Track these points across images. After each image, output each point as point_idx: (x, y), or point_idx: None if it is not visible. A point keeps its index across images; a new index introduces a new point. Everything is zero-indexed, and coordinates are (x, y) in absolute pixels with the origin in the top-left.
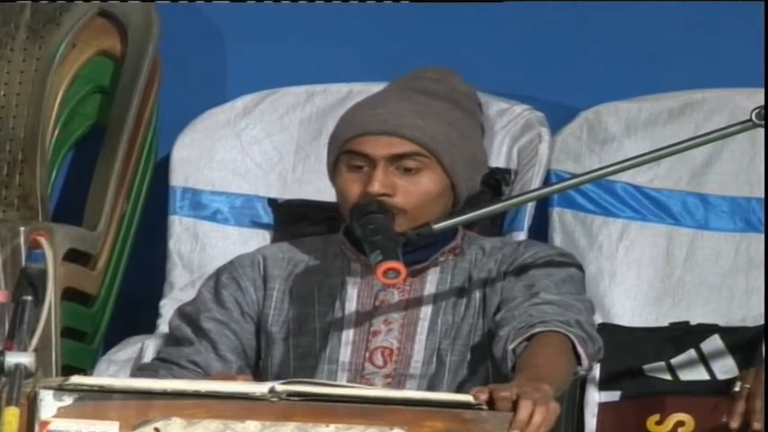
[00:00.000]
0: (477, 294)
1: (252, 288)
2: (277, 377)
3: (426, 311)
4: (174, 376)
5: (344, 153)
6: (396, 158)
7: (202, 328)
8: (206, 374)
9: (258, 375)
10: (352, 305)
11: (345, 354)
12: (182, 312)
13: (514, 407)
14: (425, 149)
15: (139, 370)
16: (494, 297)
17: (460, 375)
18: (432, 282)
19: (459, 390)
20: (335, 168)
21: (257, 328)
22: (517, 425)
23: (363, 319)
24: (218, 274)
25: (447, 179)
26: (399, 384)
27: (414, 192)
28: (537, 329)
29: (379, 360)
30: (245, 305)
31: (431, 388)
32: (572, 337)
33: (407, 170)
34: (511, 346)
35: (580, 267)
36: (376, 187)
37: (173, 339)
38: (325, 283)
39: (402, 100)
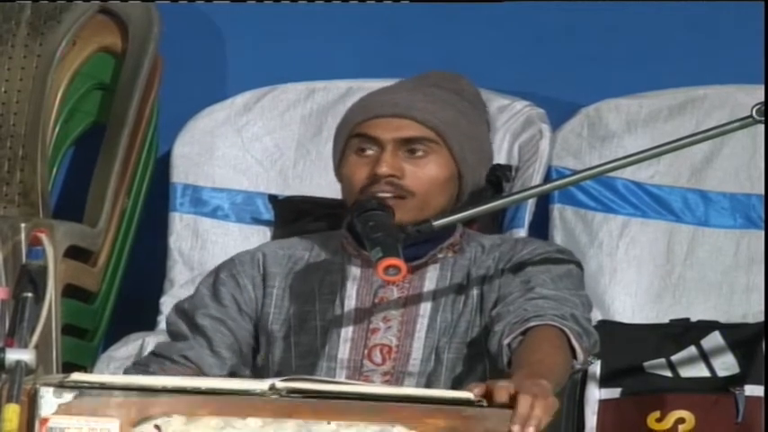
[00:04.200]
0: (475, 291)
1: (251, 286)
2: (278, 375)
3: (426, 309)
4: (165, 371)
5: (353, 137)
6: (405, 142)
7: (198, 325)
8: (198, 369)
9: (256, 373)
10: (351, 302)
11: (344, 351)
12: (178, 308)
13: (512, 402)
14: (435, 134)
15: (133, 365)
16: (491, 294)
17: (457, 372)
18: (431, 279)
19: (455, 387)
20: (343, 156)
21: (256, 327)
22: (518, 419)
23: (362, 316)
24: (217, 271)
25: (455, 167)
26: (398, 382)
27: (422, 176)
28: (532, 324)
29: (377, 357)
30: (243, 303)
31: (429, 385)
32: (567, 330)
33: (416, 155)
34: (506, 341)
35: (578, 264)
36: (384, 168)
37: (168, 335)
38: (325, 280)
39: (413, 89)
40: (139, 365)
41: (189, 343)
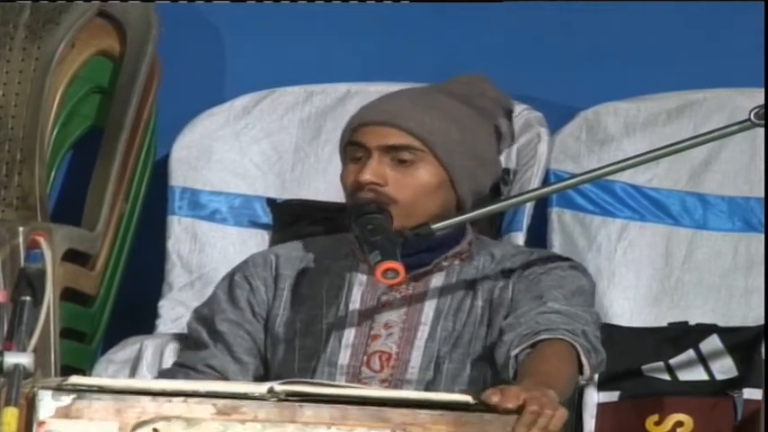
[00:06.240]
0: (481, 302)
1: (263, 288)
2: (278, 378)
3: (428, 316)
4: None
5: (347, 145)
6: (390, 149)
7: (217, 331)
8: (222, 377)
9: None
10: (355, 307)
11: (344, 357)
12: (198, 314)
13: (520, 410)
14: (420, 142)
15: (159, 375)
16: (500, 308)
17: (458, 383)
18: (435, 286)
19: None
20: (344, 162)
21: (265, 328)
22: (523, 429)
23: (365, 321)
24: (232, 273)
25: (445, 174)
26: (396, 389)
27: (407, 184)
28: (542, 336)
29: (376, 364)
30: (256, 305)
31: None
32: (577, 346)
33: (402, 162)
34: (514, 352)
35: (591, 280)
36: (366, 176)
37: (190, 342)
38: (333, 284)
39: (409, 95)
40: (166, 376)
41: (211, 351)
